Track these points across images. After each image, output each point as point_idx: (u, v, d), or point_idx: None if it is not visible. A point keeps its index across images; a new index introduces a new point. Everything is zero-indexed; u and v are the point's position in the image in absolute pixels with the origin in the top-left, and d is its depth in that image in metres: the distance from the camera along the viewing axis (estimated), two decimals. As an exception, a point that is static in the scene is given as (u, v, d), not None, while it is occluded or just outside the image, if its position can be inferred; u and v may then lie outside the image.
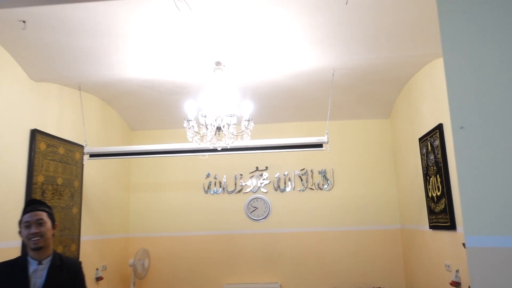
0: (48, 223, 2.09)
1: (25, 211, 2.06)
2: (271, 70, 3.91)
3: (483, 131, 1.74)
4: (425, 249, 4.25)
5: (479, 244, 1.73)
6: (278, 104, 5.00)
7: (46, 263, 2.08)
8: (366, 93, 4.78)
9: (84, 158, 4.15)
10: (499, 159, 1.69)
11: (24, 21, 2.97)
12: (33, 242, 2.02)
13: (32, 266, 2.05)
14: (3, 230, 3.22)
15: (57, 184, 3.95)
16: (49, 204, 3.73)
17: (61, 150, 4.05)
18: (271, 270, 5.39)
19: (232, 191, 5.59)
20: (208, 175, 5.64)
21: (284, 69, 3.88)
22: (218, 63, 3.50)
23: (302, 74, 4.00)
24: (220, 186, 5.60)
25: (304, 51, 3.49)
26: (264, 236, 5.46)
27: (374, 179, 5.40)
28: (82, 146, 4.37)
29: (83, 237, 4.33)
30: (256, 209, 5.53)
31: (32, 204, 2.09)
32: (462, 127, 1.80)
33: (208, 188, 5.62)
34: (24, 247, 3.28)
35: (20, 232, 2.08)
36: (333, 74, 3.85)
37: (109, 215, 5.04)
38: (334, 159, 5.44)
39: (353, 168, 5.46)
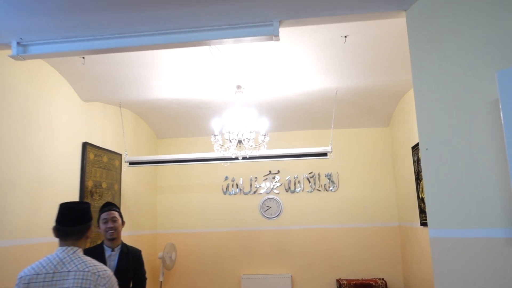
0: (119, 220, 2.79)
1: (103, 211, 2.76)
2: (284, 90, 4.57)
3: (441, 151, 2.38)
4: (418, 243, 4.88)
5: (439, 235, 2.38)
6: (289, 115, 5.66)
7: (117, 250, 2.77)
8: (366, 106, 5.41)
9: (124, 165, 4.85)
10: (453, 173, 2.33)
11: (83, 57, 3.68)
12: (109, 234, 2.71)
13: (107, 252, 2.74)
14: (39, 225, 3.92)
15: (102, 188, 4.67)
16: (96, 204, 4.45)
17: (105, 159, 4.77)
18: (283, 263, 6.05)
19: (248, 192, 6.26)
20: (226, 178, 6.32)
21: (294, 89, 4.54)
22: (238, 87, 4.18)
23: (310, 93, 4.66)
24: (237, 188, 6.28)
25: (311, 75, 4.14)
26: (277, 232, 6.13)
27: (375, 181, 6.02)
28: (120, 155, 5.08)
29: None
30: (269, 208, 6.21)
31: (107, 205, 2.79)
32: (427, 149, 2.45)
33: (226, 189, 6.31)
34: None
35: (98, 226, 2.77)
36: (335, 93, 4.50)
37: (140, 214, 5.75)
38: (339, 163, 6.07)
39: (356, 171, 6.09)
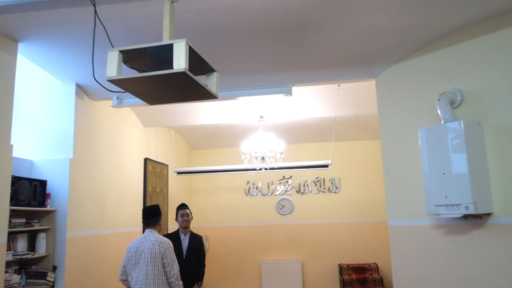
0: (190, 215, 4.21)
1: (179, 209, 4.18)
2: (295, 116, 5.96)
3: (395, 171, 3.75)
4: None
5: (395, 224, 3.75)
6: (299, 132, 7.05)
7: (188, 235, 4.20)
8: (362, 125, 6.75)
9: (172, 174, 6.31)
10: (402, 184, 3.70)
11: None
12: (184, 224, 4.14)
13: (182, 236, 4.17)
14: (132, 220, 5.36)
15: (157, 191, 6.13)
16: (153, 203, 5.88)
17: (158, 169, 6.23)
18: (294, 251, 7.46)
19: (266, 194, 7.68)
20: (248, 182, 7.75)
21: (303, 116, 5.92)
22: (261, 116, 5.59)
23: (315, 118, 6.03)
24: (257, 190, 7.70)
25: (315, 108, 5.52)
26: (289, 226, 7.54)
27: (371, 184, 7.36)
28: (167, 165, 6.54)
29: (169, 226, 6.50)
30: (283, 207, 7.62)
31: (182, 206, 4.21)
32: (387, 169, 3.83)
33: (248, 191, 7.73)
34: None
35: (176, 219, 4.20)
36: (335, 119, 5.88)
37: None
38: (341, 170, 7.44)
39: (354, 176, 7.45)
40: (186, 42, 2.01)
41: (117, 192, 5.05)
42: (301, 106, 5.40)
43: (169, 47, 2.06)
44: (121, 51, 2.12)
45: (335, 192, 7.51)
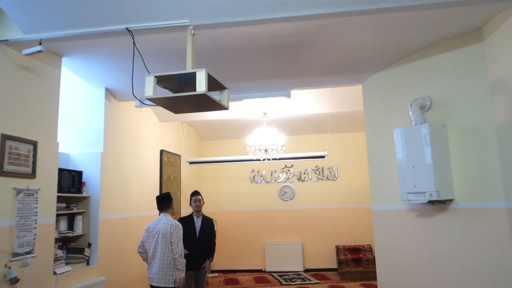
0: (202, 200, 4.92)
1: (192, 195, 4.89)
2: (295, 112, 6.59)
3: (377, 163, 4.40)
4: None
5: (377, 208, 4.42)
6: (299, 125, 7.69)
7: (200, 218, 4.91)
8: (357, 118, 7.37)
9: (185, 164, 7.01)
10: (382, 175, 4.35)
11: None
12: (196, 208, 4.85)
13: (195, 219, 4.88)
14: (150, 205, 6.08)
15: (171, 179, 6.85)
16: (168, 191, 6.59)
17: (172, 159, 6.94)
18: (296, 233, 8.19)
19: (269, 181, 8.38)
20: (253, 171, 8.44)
21: (302, 112, 6.56)
22: (265, 113, 6.24)
23: (314, 113, 6.67)
24: (261, 178, 8.40)
25: (313, 105, 6.15)
26: (291, 211, 8.25)
27: (366, 173, 8.00)
28: (179, 156, 7.24)
29: (182, 210, 7.24)
30: (285, 193, 8.32)
31: (195, 193, 4.92)
32: (371, 162, 4.48)
33: (253, 179, 8.43)
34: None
35: (190, 204, 4.91)
36: (331, 114, 6.51)
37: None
38: (338, 159, 8.10)
39: (351, 166, 8.11)
40: (206, 71, 2.67)
41: (138, 180, 5.76)
42: (300, 104, 6.04)
43: (193, 74, 2.72)
44: (155, 76, 2.79)
45: (333, 180, 8.18)
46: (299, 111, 6.32)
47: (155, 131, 6.46)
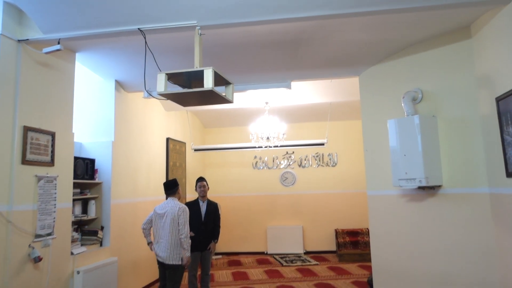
0: (206, 186, 5.22)
1: (198, 181, 5.19)
2: (296, 101, 6.83)
3: (372, 151, 4.67)
4: (387, 203, 7.21)
5: (372, 193, 4.72)
6: (300, 113, 7.93)
7: (205, 202, 5.22)
8: (356, 106, 7.60)
9: (190, 151, 7.30)
10: (377, 162, 4.63)
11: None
12: (202, 193, 5.16)
13: (200, 203, 5.20)
14: (157, 190, 6.40)
15: (177, 166, 7.15)
16: (174, 177, 6.89)
17: (177, 146, 7.23)
18: (296, 217, 8.53)
19: (271, 167, 8.68)
20: (255, 157, 8.73)
21: (303, 102, 6.79)
22: (266, 102, 6.48)
23: (313, 102, 6.90)
24: (264, 164, 8.69)
25: (312, 95, 6.38)
26: (292, 196, 8.57)
27: (364, 160, 8.28)
28: (184, 143, 7.52)
29: (187, 195, 7.57)
30: (287, 179, 8.63)
31: (200, 179, 5.21)
32: (366, 150, 4.75)
33: (255, 165, 8.73)
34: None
35: (196, 189, 5.22)
36: (330, 104, 6.74)
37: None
38: (337, 146, 8.37)
39: (350, 152, 8.38)
40: (212, 69, 2.92)
41: (146, 167, 6.06)
42: (301, 94, 6.27)
43: (200, 71, 2.97)
44: (166, 73, 3.04)
45: (333, 166, 8.47)
46: (299, 100, 6.56)
47: (161, 120, 6.72)
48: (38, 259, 3.59)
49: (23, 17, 3.58)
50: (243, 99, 6.55)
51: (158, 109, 6.59)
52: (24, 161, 3.55)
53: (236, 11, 3.22)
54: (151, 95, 4.23)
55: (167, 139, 6.82)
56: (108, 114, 5.13)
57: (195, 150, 7.33)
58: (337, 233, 8.04)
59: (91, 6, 3.21)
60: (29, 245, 3.57)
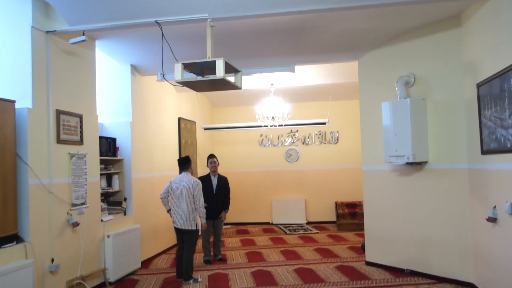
0: (217, 162, 5.75)
1: (209, 157, 5.72)
2: (299, 83, 7.23)
3: (368, 131, 5.13)
4: (384, 177, 7.70)
5: (366, 169, 5.21)
6: (304, 93, 8.33)
7: (216, 177, 5.76)
8: (357, 87, 7.97)
9: (200, 130, 7.79)
10: (370, 140, 5.10)
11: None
12: (212, 169, 5.69)
13: (212, 177, 5.74)
14: (171, 166, 6.94)
15: (188, 144, 7.67)
16: (186, 154, 7.43)
17: (188, 125, 7.72)
18: (299, 191, 9.09)
19: (276, 145, 9.17)
20: (261, 135, 9.21)
21: (305, 82, 7.19)
22: (272, 84, 6.89)
23: (315, 83, 7.30)
24: (269, 141, 9.19)
25: (315, 77, 6.77)
26: (296, 171, 9.10)
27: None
28: (195, 122, 8.01)
29: (198, 170, 8.12)
30: (291, 155, 9.13)
31: (211, 156, 5.74)
32: (363, 129, 5.21)
33: (261, 142, 9.23)
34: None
35: (207, 165, 5.75)
36: (332, 85, 7.14)
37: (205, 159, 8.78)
38: (339, 125, 8.80)
39: (350, 130, 8.81)
40: (223, 59, 3.35)
41: (160, 145, 6.58)
42: (304, 76, 6.68)
43: (212, 62, 3.41)
44: (183, 63, 3.48)
45: (334, 144, 8.94)
46: (303, 82, 6.97)
47: (173, 101, 7.19)
48: (76, 224, 4.17)
49: (49, 10, 3.98)
50: (250, 81, 6.96)
51: (170, 90, 7.03)
52: (59, 141, 4.07)
53: (244, 5, 3.62)
54: (165, 79, 4.66)
55: (179, 119, 7.30)
56: (126, 96, 5.60)
57: (205, 129, 7.82)
58: (337, 205, 8.59)
59: (113, 0, 3.62)
60: (67, 212, 4.14)
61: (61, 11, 3.87)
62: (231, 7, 3.66)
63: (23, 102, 3.69)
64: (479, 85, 3.72)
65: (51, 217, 3.89)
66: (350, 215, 8.24)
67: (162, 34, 3.85)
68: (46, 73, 3.94)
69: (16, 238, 3.57)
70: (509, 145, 3.18)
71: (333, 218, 8.76)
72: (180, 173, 5.05)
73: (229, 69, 3.60)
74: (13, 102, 3.56)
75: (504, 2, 3.26)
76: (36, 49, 3.81)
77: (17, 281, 3.36)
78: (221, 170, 8.33)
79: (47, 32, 3.94)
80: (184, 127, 7.50)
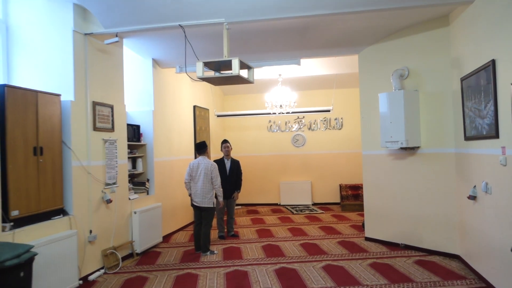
0: (230, 147, 6.34)
1: (223, 143, 6.31)
2: (305, 72, 7.72)
3: (367, 118, 5.66)
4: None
5: (366, 153, 5.76)
6: (309, 82, 8.82)
7: (229, 160, 6.36)
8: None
9: (213, 117, 8.37)
10: (368, 127, 5.64)
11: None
12: (226, 153, 6.29)
13: (225, 161, 6.34)
14: (187, 150, 7.55)
15: (202, 130, 8.25)
16: (201, 139, 8.03)
17: (202, 113, 8.29)
18: (306, 174, 9.67)
19: (284, 130, 9.72)
20: (270, 121, 9.76)
21: (310, 73, 7.68)
22: (280, 74, 7.40)
23: (319, 75, 7.78)
24: (277, 127, 9.73)
25: (320, 68, 7.25)
26: (302, 155, 9.67)
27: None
28: (208, 109, 8.57)
29: (211, 154, 8.72)
30: (297, 140, 9.69)
31: (225, 141, 6.32)
32: (363, 117, 5.74)
33: (270, 128, 9.78)
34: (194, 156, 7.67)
35: (221, 150, 6.34)
36: (336, 75, 7.62)
37: (218, 144, 9.38)
38: (343, 112, 9.30)
39: (354, 117, 9.30)
40: (238, 59, 3.89)
41: (178, 131, 7.18)
42: (310, 68, 7.16)
43: (229, 61, 3.95)
44: (203, 62, 4.03)
45: (339, 129, 9.45)
46: (309, 72, 7.46)
47: (188, 90, 7.74)
48: (109, 201, 4.81)
49: (87, 15, 4.53)
50: (260, 71, 7.47)
51: (185, 80, 7.58)
52: (95, 128, 4.67)
53: (255, 10, 4.12)
54: (187, 73, 5.20)
55: (194, 107, 7.86)
56: (148, 87, 6.17)
57: (218, 116, 8.39)
58: (341, 187, 9.17)
59: (142, 7, 4.15)
60: (102, 190, 4.77)
61: (98, 16, 4.41)
62: (244, 13, 4.17)
63: (67, 95, 4.29)
64: (462, 79, 4.22)
65: (89, 195, 4.53)
66: (353, 196, 8.81)
67: (185, 36, 4.39)
68: (85, 70, 4.52)
69: (62, 212, 4.21)
70: (484, 133, 3.69)
71: (337, 200, 9.35)
72: (196, 157, 5.65)
73: (243, 65, 4.13)
74: (59, 95, 4.16)
75: (483, 6, 3.73)
76: (76, 49, 4.38)
77: (65, 248, 4.00)
78: (232, 154, 8.92)
79: (85, 34, 4.51)
80: (199, 114, 8.07)
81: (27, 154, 3.71)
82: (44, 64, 4.37)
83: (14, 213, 3.54)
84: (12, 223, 3.52)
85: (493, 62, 3.42)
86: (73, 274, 4.08)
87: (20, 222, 3.60)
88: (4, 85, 3.51)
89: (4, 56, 4.46)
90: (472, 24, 4.01)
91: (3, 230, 3.42)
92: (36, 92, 3.86)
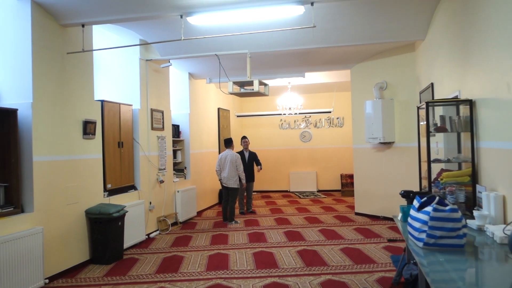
0: (248, 141, 8.02)
1: (243, 138, 7.99)
2: (310, 80, 9.32)
3: (359, 120, 7.26)
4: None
5: (356, 147, 7.39)
6: (313, 87, 10.42)
7: (248, 152, 8.04)
8: (357, 82, 10.00)
9: (233, 117, 10.06)
10: (360, 126, 7.25)
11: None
12: (245, 146, 7.98)
13: (245, 152, 8.03)
14: (213, 145, 9.25)
15: (224, 128, 9.95)
16: (224, 136, 9.74)
17: (225, 114, 9.98)
18: (312, 165, 11.30)
19: (293, 128, 11.35)
20: (281, 120, 11.40)
21: (314, 81, 9.27)
22: (289, 82, 9.03)
23: (321, 82, 9.38)
24: (287, 125, 11.37)
25: (322, 77, 8.85)
26: (309, 149, 11.30)
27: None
28: (228, 110, 10.26)
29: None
30: (305, 136, 11.32)
31: (244, 136, 8.01)
32: (354, 119, 7.35)
33: (281, 125, 11.42)
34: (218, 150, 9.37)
35: (241, 144, 8.03)
36: (335, 82, 9.21)
37: (236, 140, 11.05)
38: (344, 112, 10.88)
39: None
40: (258, 80, 5.55)
41: (206, 129, 8.89)
42: (313, 77, 8.78)
43: (251, 81, 5.61)
44: (233, 82, 5.70)
45: (340, 127, 11.04)
46: (312, 80, 9.08)
47: (214, 96, 9.44)
48: (162, 182, 6.55)
49: (148, 46, 6.25)
50: (272, 80, 9.10)
51: (212, 88, 9.28)
52: (152, 128, 6.40)
53: (271, 44, 5.77)
54: (220, 89, 6.85)
55: (218, 109, 9.56)
56: (185, 95, 7.89)
57: (237, 116, 10.08)
58: (342, 176, 10.76)
59: (189, 43, 5.84)
60: (157, 174, 6.51)
61: (157, 49, 6.11)
62: (262, 45, 5.82)
63: (135, 104, 6.02)
64: (420, 92, 5.80)
65: (149, 176, 6.27)
66: (352, 184, 10.40)
67: (219, 62, 6.05)
68: (146, 85, 6.24)
69: (133, 187, 5.96)
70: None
71: (339, 187, 10.96)
72: (221, 150, 7.34)
73: (262, 83, 5.80)
74: (131, 105, 5.90)
75: (429, 43, 5.30)
76: (141, 71, 6.11)
77: (137, 213, 5.73)
78: (250, 148, 10.56)
79: (147, 60, 6.23)
80: (222, 115, 9.76)
81: (114, 146, 5.45)
82: (119, 82, 6.11)
83: (109, 186, 5.29)
84: (107, 192, 5.27)
85: (432, 84, 5.01)
86: (142, 231, 5.84)
87: (111, 192, 5.36)
88: (103, 101, 5.25)
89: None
90: (424, 54, 5.59)
91: (104, 196, 5.18)
92: (119, 104, 5.59)
